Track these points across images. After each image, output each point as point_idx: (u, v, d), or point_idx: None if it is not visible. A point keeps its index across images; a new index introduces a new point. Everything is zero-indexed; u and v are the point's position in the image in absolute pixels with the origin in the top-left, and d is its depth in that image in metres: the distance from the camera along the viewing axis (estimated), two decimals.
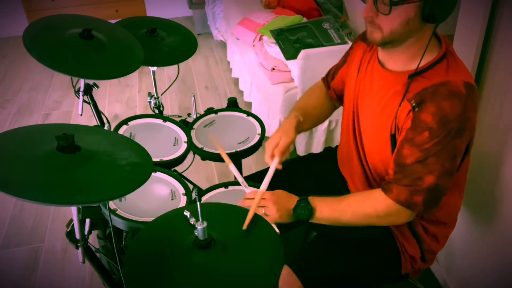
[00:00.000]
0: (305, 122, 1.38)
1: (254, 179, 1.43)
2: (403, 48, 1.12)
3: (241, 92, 3.09)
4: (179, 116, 1.72)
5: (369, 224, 1.18)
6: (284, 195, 1.22)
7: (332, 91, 1.46)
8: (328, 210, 1.18)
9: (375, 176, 1.27)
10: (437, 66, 1.09)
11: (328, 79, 1.48)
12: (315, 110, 1.46)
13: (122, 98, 3.38)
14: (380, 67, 1.19)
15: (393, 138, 1.15)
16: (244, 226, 1.01)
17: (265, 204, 1.18)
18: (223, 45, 3.88)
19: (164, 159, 1.45)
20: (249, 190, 1.27)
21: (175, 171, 1.46)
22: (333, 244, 1.29)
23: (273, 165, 1.26)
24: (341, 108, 1.45)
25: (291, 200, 1.20)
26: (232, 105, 1.72)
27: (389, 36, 1.08)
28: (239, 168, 1.65)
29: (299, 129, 1.35)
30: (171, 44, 1.67)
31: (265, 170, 1.56)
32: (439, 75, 1.08)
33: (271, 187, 1.35)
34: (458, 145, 1.08)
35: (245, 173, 1.61)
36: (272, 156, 1.28)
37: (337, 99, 1.47)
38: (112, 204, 1.24)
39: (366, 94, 1.24)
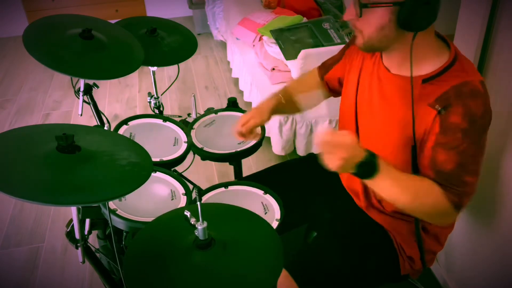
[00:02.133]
0: (287, 106, 1.39)
1: (254, 179, 1.44)
2: (396, 54, 1.12)
3: (241, 92, 3.09)
4: (179, 116, 1.72)
5: (418, 215, 1.15)
6: (357, 146, 1.03)
7: (325, 82, 1.46)
8: (391, 182, 1.07)
9: None
10: (452, 68, 1.09)
11: (321, 70, 1.48)
12: (303, 98, 1.41)
13: (122, 98, 3.38)
14: (386, 71, 1.18)
15: (414, 149, 1.13)
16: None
17: (334, 151, 1.00)
18: (223, 45, 3.88)
19: (164, 159, 1.45)
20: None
21: (175, 171, 1.46)
22: (331, 246, 1.29)
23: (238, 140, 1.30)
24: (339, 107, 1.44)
25: (360, 153, 1.03)
26: (232, 105, 1.72)
27: (368, 41, 1.09)
28: (239, 168, 1.65)
29: (276, 110, 1.37)
30: (171, 44, 1.67)
31: (265, 170, 1.56)
32: (456, 77, 1.07)
33: (270, 187, 1.35)
34: (485, 141, 1.09)
35: (245, 173, 1.61)
36: (240, 133, 1.35)
37: (328, 90, 1.47)
38: (112, 204, 1.24)
39: (375, 100, 1.22)
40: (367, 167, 1.03)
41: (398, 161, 1.17)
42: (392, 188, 1.07)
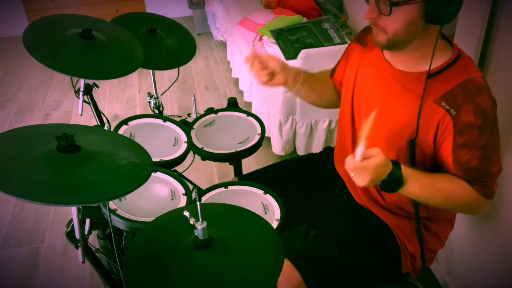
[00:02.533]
0: (304, 86, 1.34)
1: (254, 177, 1.44)
2: (409, 50, 1.12)
3: (241, 92, 3.09)
4: (179, 116, 1.72)
5: (453, 210, 1.24)
6: (385, 164, 1.05)
7: (333, 82, 1.47)
8: (419, 188, 1.12)
9: None
10: (456, 64, 1.11)
11: (331, 72, 1.49)
12: (323, 84, 1.45)
13: (122, 98, 3.38)
14: (390, 66, 1.19)
15: (412, 143, 1.15)
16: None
17: (364, 171, 1.03)
18: (223, 45, 3.88)
19: (164, 159, 1.45)
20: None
21: (175, 171, 1.46)
22: (334, 241, 1.29)
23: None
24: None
25: (386, 170, 1.06)
26: (232, 105, 1.72)
27: (393, 38, 1.08)
28: (239, 168, 1.65)
29: (297, 79, 1.32)
30: (170, 46, 1.66)
31: (265, 168, 1.56)
32: (460, 73, 1.09)
33: (270, 186, 1.35)
34: (498, 128, 1.13)
35: (245, 172, 1.61)
36: (251, 58, 1.26)
37: (337, 91, 1.47)
38: (112, 204, 1.24)
39: (376, 98, 1.22)
40: (393, 182, 1.08)
41: (393, 157, 1.18)
42: (422, 194, 1.13)
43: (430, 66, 1.10)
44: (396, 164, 1.07)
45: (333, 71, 1.47)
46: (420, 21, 1.05)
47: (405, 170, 1.08)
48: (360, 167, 1.03)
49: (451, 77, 1.09)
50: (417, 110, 1.11)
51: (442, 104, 1.08)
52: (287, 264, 1.22)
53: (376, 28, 1.10)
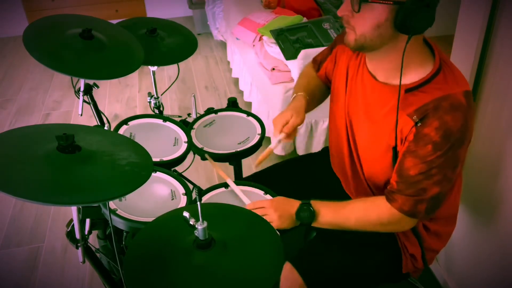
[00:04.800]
0: (311, 102, 1.38)
1: (254, 179, 1.44)
2: (383, 57, 1.11)
3: (241, 92, 3.09)
4: (179, 116, 1.72)
5: (372, 230, 1.19)
6: (284, 200, 1.23)
7: (320, 77, 1.47)
8: (331, 215, 1.19)
9: (370, 184, 1.28)
10: (435, 80, 1.08)
11: (316, 66, 1.48)
12: (316, 89, 1.45)
13: (122, 98, 3.38)
14: (372, 78, 1.18)
15: (395, 150, 1.15)
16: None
17: (266, 212, 1.20)
18: (223, 45, 3.88)
19: (164, 159, 1.45)
20: (247, 201, 1.28)
21: (175, 171, 1.46)
22: (334, 243, 1.30)
23: (277, 139, 1.28)
24: None
25: (292, 204, 1.21)
26: (232, 105, 1.72)
27: (360, 39, 1.07)
28: (239, 168, 1.65)
29: (307, 110, 1.35)
30: (170, 44, 1.67)
31: (265, 170, 1.56)
32: (438, 89, 1.06)
33: (270, 186, 1.36)
34: (460, 154, 1.08)
35: (245, 173, 1.61)
36: (284, 134, 1.28)
37: (327, 82, 1.47)
38: (112, 204, 1.24)
39: (360, 106, 1.22)
40: (304, 211, 1.19)
41: (383, 166, 1.20)
42: (337, 220, 1.19)
43: (400, 80, 1.08)
44: (303, 201, 1.21)
45: (318, 66, 1.46)
46: (389, 26, 1.03)
47: (314, 201, 1.21)
48: (259, 208, 1.20)
49: (429, 91, 1.07)
50: (394, 122, 1.12)
51: (413, 118, 1.07)
52: (288, 267, 1.22)
53: (347, 27, 1.10)
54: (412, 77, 1.10)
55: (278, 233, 1.02)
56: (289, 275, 1.21)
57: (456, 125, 1.04)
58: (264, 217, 1.14)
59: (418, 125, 1.07)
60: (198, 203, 0.92)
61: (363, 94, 1.21)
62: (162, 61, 1.66)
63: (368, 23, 1.04)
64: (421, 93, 1.08)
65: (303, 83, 1.45)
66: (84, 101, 1.64)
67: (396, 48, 1.07)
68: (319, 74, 1.46)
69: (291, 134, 1.30)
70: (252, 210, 1.16)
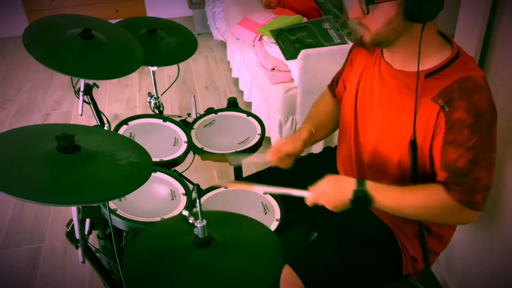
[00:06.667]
0: (318, 132, 1.38)
1: (254, 179, 1.44)
2: (400, 48, 1.12)
3: (241, 92, 3.09)
4: (179, 116, 1.72)
5: (432, 221, 1.18)
6: (333, 185, 1.15)
7: (338, 97, 1.46)
8: (391, 201, 1.13)
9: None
10: (454, 64, 1.09)
11: (332, 86, 1.48)
12: (326, 117, 1.45)
13: (122, 98, 3.38)
14: (389, 67, 1.19)
15: (413, 144, 1.13)
16: None
17: (318, 202, 1.15)
18: (223, 45, 3.88)
19: (164, 159, 1.45)
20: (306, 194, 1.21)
21: (175, 171, 1.46)
22: (334, 244, 1.29)
23: (257, 158, 1.29)
24: None
25: (345, 189, 1.12)
26: (232, 105, 1.72)
27: (376, 37, 1.09)
28: (239, 168, 1.65)
29: (310, 141, 1.36)
30: (170, 44, 1.67)
31: (265, 170, 1.56)
32: (458, 71, 1.07)
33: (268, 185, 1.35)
34: (495, 135, 1.08)
35: (245, 173, 1.61)
36: (273, 160, 1.32)
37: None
38: (112, 204, 1.24)
39: (375, 100, 1.22)
40: (361, 200, 1.11)
41: (397, 158, 1.17)
42: (395, 206, 1.12)
43: (418, 64, 1.09)
44: (360, 184, 1.11)
45: (334, 84, 1.46)
46: (401, 19, 1.05)
47: (370, 183, 1.12)
48: (318, 193, 1.15)
49: (450, 74, 1.08)
50: (412, 111, 1.11)
51: (438, 102, 1.07)
52: (288, 271, 1.22)
53: (361, 27, 1.12)
54: (431, 62, 1.11)
55: (277, 237, 1.02)
56: (288, 278, 1.21)
57: (484, 105, 1.04)
58: (317, 200, 1.16)
59: (446, 110, 1.06)
60: (198, 200, 0.92)
61: (380, 85, 1.21)
62: (162, 61, 1.66)
63: (380, 21, 1.06)
64: (442, 76, 1.08)
65: (314, 112, 1.47)
66: (84, 101, 1.64)
67: (412, 39, 1.09)
68: (337, 91, 1.45)
69: (284, 160, 1.32)
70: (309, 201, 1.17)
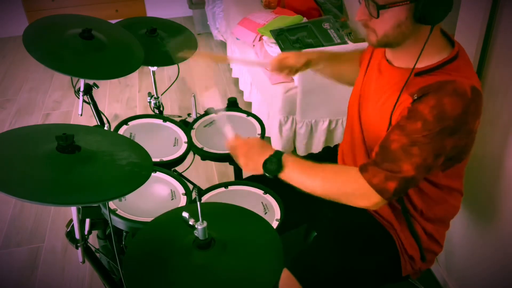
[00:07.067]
0: (328, 63, 1.42)
1: (255, 179, 1.44)
2: (404, 48, 1.12)
3: (241, 92, 3.09)
4: (179, 116, 1.72)
5: (334, 199, 1.13)
6: (257, 146, 1.20)
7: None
8: (299, 171, 1.14)
9: None
10: (447, 66, 1.08)
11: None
12: (344, 56, 1.47)
13: (122, 98, 3.38)
14: (387, 64, 1.19)
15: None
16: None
17: (235, 153, 1.21)
18: (223, 45, 3.88)
19: (164, 159, 1.45)
20: (231, 136, 1.27)
21: (175, 171, 1.46)
22: (333, 246, 1.29)
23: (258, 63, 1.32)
24: (340, 107, 1.44)
25: (264, 152, 1.17)
26: (232, 105, 1.72)
27: (383, 39, 1.09)
28: (239, 168, 1.65)
29: (316, 62, 1.41)
30: (171, 44, 1.66)
31: None
32: (447, 75, 1.07)
33: (271, 187, 1.35)
34: (446, 144, 1.05)
35: (245, 174, 1.61)
36: (272, 65, 1.42)
37: None
38: (112, 204, 1.24)
39: (371, 91, 1.23)
40: (272, 163, 1.15)
41: None
42: (301, 176, 1.15)
43: (415, 63, 1.09)
44: (277, 151, 1.17)
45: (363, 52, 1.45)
46: (410, 22, 1.04)
47: (288, 155, 1.16)
48: (242, 142, 1.20)
49: (438, 75, 1.07)
50: (395, 101, 1.11)
51: (414, 96, 1.06)
52: (286, 274, 1.21)
53: (366, 29, 1.11)
54: (426, 62, 1.10)
55: (278, 234, 1.02)
56: (287, 281, 1.21)
57: (452, 111, 1.01)
58: (234, 155, 1.22)
59: (415, 101, 1.05)
60: (198, 203, 0.92)
61: (377, 79, 1.21)
62: (162, 61, 1.66)
63: (388, 24, 1.05)
64: (429, 76, 1.08)
65: (337, 52, 1.50)
66: (84, 101, 1.64)
67: (418, 40, 1.08)
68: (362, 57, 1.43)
69: (283, 70, 1.39)
70: (227, 147, 1.23)
